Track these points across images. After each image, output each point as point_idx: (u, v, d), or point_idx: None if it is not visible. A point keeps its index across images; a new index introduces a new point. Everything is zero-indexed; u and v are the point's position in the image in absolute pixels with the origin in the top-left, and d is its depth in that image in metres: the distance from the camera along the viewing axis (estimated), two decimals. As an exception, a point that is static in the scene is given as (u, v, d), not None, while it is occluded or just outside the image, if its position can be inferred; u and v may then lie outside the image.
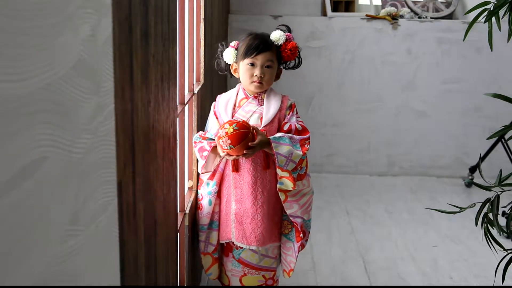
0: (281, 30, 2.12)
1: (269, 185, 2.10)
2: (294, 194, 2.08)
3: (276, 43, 2.08)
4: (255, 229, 2.11)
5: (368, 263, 2.92)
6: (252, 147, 1.97)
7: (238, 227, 2.13)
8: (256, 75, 2.05)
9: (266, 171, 2.09)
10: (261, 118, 2.08)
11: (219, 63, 2.18)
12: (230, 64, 2.14)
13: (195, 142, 2.13)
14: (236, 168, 2.10)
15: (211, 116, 2.18)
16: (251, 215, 2.11)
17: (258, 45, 2.04)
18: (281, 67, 2.15)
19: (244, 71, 2.07)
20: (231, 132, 1.94)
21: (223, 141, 1.96)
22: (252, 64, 2.05)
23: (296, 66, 2.16)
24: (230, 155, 2.03)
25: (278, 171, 2.01)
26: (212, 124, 2.17)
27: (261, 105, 2.10)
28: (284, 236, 2.18)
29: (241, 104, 2.12)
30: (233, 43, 2.13)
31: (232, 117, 2.10)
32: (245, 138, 1.95)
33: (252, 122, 2.08)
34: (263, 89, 2.10)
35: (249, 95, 2.12)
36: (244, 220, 2.12)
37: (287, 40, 2.09)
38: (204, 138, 2.12)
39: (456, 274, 2.84)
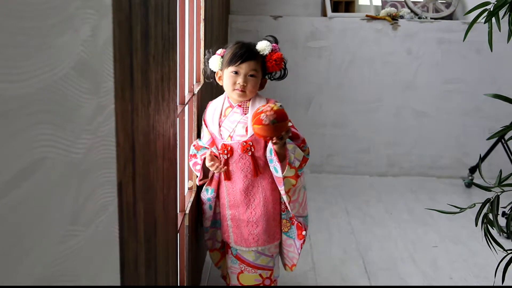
0: (268, 40, 2.13)
1: (261, 188, 2.13)
2: (293, 193, 2.10)
3: (262, 53, 2.09)
4: (252, 231, 2.15)
5: (368, 263, 2.92)
6: (283, 136, 1.97)
7: (236, 231, 2.18)
8: (238, 83, 2.06)
9: (257, 178, 2.11)
10: (246, 128, 2.09)
11: (206, 70, 2.20)
12: (215, 72, 2.16)
13: (190, 156, 2.17)
14: (227, 176, 2.13)
15: (202, 125, 2.22)
16: (246, 219, 2.15)
17: (243, 53, 2.05)
18: (267, 77, 2.16)
19: (227, 78, 2.09)
20: (277, 108, 1.94)
21: (266, 115, 1.91)
22: (236, 72, 2.07)
23: (281, 77, 2.17)
24: (221, 167, 2.05)
25: (287, 168, 2.01)
26: (204, 132, 2.20)
27: (245, 114, 2.11)
28: (284, 234, 2.20)
29: (226, 114, 2.14)
30: (219, 51, 2.15)
31: (220, 127, 2.12)
32: (287, 119, 1.96)
33: (238, 132, 2.10)
34: (246, 97, 2.11)
35: (233, 103, 2.13)
36: (241, 224, 2.17)
37: (273, 50, 2.09)
38: (198, 148, 2.15)
39: (456, 274, 2.84)
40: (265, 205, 2.13)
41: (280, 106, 1.98)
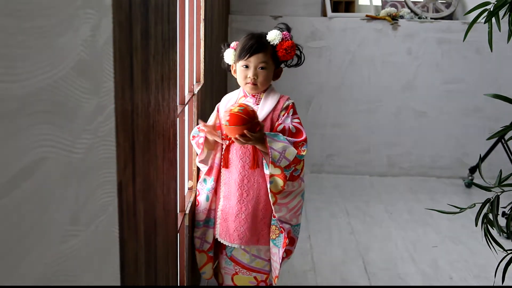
0: (279, 28, 2.10)
1: (257, 185, 2.09)
2: (284, 196, 2.05)
3: (272, 43, 2.07)
4: (238, 227, 2.10)
5: (368, 263, 2.92)
6: (245, 136, 1.94)
7: (223, 224, 2.14)
8: (249, 77, 2.05)
9: (254, 171, 2.08)
10: None
11: (223, 63, 2.20)
12: (231, 65, 2.15)
13: (193, 136, 2.14)
14: (226, 164, 2.11)
15: (215, 110, 2.21)
16: (235, 213, 2.10)
17: (251, 46, 2.04)
18: (282, 65, 2.14)
19: (239, 72, 2.09)
20: (234, 112, 1.94)
21: (224, 115, 1.97)
22: (246, 66, 2.06)
23: (298, 64, 2.15)
24: (224, 139, 2.03)
25: (271, 166, 1.97)
26: (212, 117, 2.19)
27: (257, 104, 2.10)
28: (271, 241, 2.13)
29: (238, 103, 2.13)
30: (233, 44, 2.14)
31: None
32: (242, 124, 1.93)
33: None
34: (258, 90, 2.10)
35: (247, 93, 2.13)
36: (229, 218, 2.12)
37: (283, 39, 2.07)
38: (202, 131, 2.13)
39: (456, 274, 2.84)
40: (256, 203, 2.10)
41: (240, 110, 1.94)
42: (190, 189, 2.31)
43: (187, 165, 2.29)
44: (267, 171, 2.02)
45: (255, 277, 2.18)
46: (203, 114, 2.52)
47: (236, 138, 1.96)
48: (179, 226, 1.91)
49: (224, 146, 2.10)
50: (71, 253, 0.68)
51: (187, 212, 2.06)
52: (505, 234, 2.99)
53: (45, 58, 0.60)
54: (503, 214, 2.41)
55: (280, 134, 2.02)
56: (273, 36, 2.06)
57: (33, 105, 0.57)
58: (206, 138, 2.09)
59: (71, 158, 0.68)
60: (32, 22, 0.56)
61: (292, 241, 2.13)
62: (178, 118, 1.83)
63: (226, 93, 2.25)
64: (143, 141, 1.24)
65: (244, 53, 2.05)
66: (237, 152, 2.08)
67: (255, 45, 2.04)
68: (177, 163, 1.83)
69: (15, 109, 0.53)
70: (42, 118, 0.59)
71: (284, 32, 2.09)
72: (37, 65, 0.58)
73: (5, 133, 0.51)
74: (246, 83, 2.08)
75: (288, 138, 2.02)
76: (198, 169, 2.30)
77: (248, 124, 1.94)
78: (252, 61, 2.04)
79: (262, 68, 2.05)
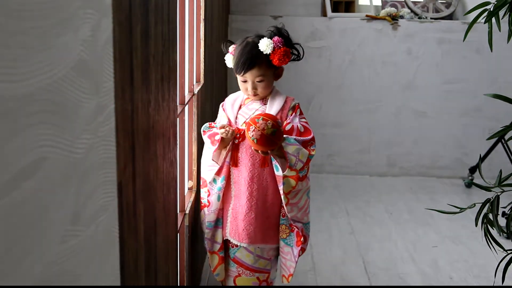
0: (270, 33, 2.08)
1: (265, 183, 2.10)
2: (294, 196, 2.07)
3: (265, 53, 2.06)
4: (248, 226, 2.11)
5: (368, 263, 2.92)
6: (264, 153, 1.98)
7: (233, 222, 2.14)
8: (248, 90, 2.08)
9: (264, 169, 2.09)
10: None
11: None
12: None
13: (204, 131, 2.14)
14: (235, 163, 2.11)
15: (220, 111, 2.21)
16: (245, 211, 2.10)
17: (244, 63, 2.04)
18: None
19: (239, 83, 2.12)
20: (267, 134, 1.92)
21: (253, 128, 1.92)
22: (244, 80, 2.07)
23: (297, 59, 2.15)
24: (230, 130, 2.03)
25: (287, 170, 2.00)
26: (221, 117, 2.19)
27: (264, 104, 2.12)
28: (282, 241, 2.16)
29: (245, 103, 2.15)
30: (231, 49, 2.14)
31: (237, 114, 2.11)
32: (271, 147, 1.96)
33: None
34: (260, 97, 2.12)
35: None
36: (239, 216, 2.12)
37: (275, 47, 2.04)
38: (212, 127, 2.13)
39: (456, 274, 2.84)
40: (264, 201, 2.11)
41: (273, 133, 1.92)
42: (190, 189, 2.31)
43: (187, 165, 2.29)
44: (278, 173, 2.03)
45: (257, 277, 2.19)
46: (203, 114, 2.52)
47: (256, 149, 1.99)
48: (179, 226, 1.91)
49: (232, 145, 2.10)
50: (71, 253, 0.68)
51: (187, 212, 2.06)
52: (505, 234, 2.99)
53: (45, 58, 0.60)
54: (503, 214, 2.41)
55: (289, 136, 2.03)
56: (264, 47, 2.05)
57: (33, 105, 0.57)
58: (222, 137, 2.08)
59: (71, 158, 0.68)
60: (32, 22, 0.56)
61: (305, 239, 2.17)
62: (178, 118, 1.83)
63: (226, 93, 2.25)
64: (143, 141, 1.24)
65: (238, 69, 2.06)
66: (246, 150, 2.09)
67: (248, 61, 2.04)
68: (177, 163, 1.83)
69: (15, 109, 0.53)
70: (42, 118, 0.59)
71: (275, 39, 2.05)
72: (37, 65, 0.58)
73: (5, 133, 0.51)
74: (248, 94, 2.10)
75: (297, 138, 2.04)
76: (198, 170, 2.30)
77: (275, 147, 1.96)
78: (248, 76, 2.06)
79: (259, 81, 2.07)
